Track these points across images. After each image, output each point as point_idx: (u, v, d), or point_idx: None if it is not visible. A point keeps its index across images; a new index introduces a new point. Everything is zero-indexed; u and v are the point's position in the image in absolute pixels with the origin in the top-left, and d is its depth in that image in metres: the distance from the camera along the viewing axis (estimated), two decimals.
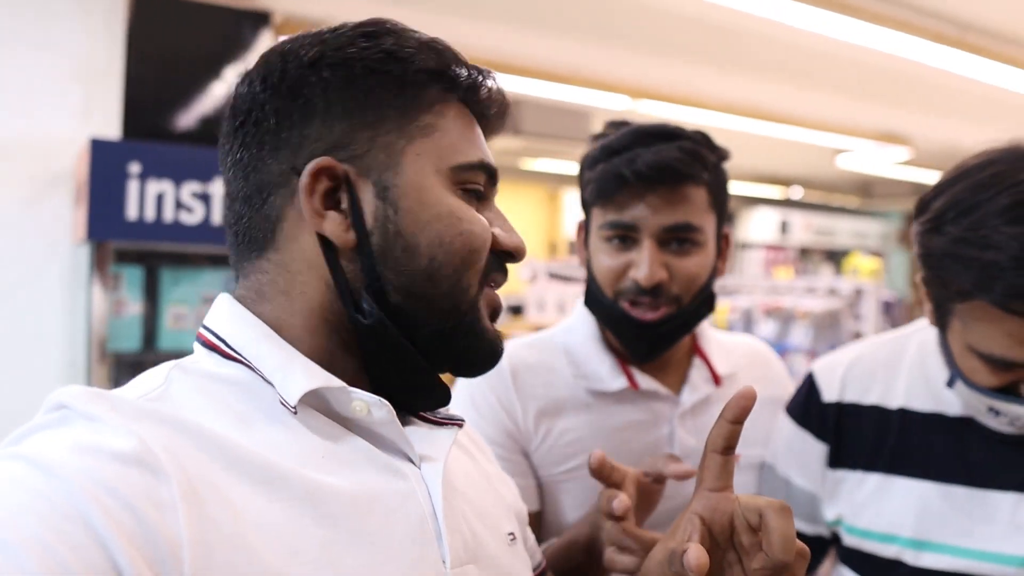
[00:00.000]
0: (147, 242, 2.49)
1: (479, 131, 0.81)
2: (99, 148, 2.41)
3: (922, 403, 1.21)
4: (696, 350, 1.35)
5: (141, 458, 0.60)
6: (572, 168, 9.07)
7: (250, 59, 3.21)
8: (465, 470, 0.85)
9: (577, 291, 4.92)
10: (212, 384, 0.71)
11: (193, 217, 2.48)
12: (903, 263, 10.78)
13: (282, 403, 0.70)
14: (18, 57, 2.84)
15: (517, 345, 1.34)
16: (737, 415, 0.73)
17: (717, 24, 4.65)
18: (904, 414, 1.22)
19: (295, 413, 0.70)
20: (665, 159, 1.18)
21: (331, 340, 0.74)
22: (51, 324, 2.83)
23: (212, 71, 3.16)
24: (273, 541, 0.63)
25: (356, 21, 0.78)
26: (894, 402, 1.23)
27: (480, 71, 0.80)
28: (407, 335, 0.74)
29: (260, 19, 3.33)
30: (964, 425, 1.17)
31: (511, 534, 0.84)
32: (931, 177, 9.14)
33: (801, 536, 1.24)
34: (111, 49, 2.98)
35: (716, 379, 1.34)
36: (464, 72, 0.79)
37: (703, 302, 1.27)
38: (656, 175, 1.18)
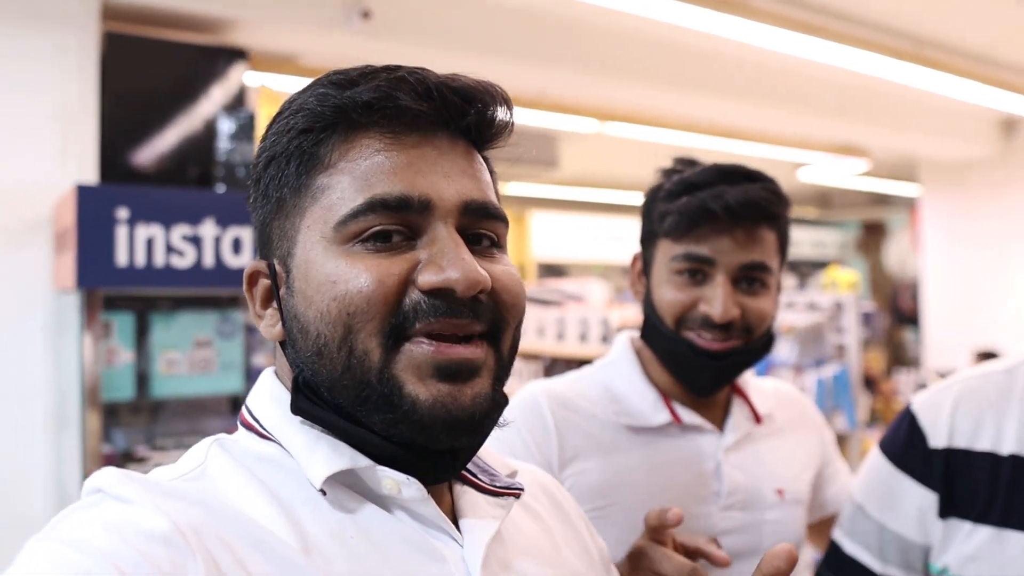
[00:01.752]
0: (138, 288, 2.44)
1: (400, 157, 0.70)
2: (85, 193, 2.36)
3: None
4: (736, 390, 1.36)
5: (168, 537, 0.60)
6: (539, 191, 9.12)
7: (225, 95, 3.18)
8: (528, 540, 0.80)
9: (556, 315, 4.92)
10: (249, 462, 0.71)
11: (184, 260, 2.44)
12: (863, 271, 10.98)
13: (312, 483, 0.69)
14: None
15: (559, 383, 1.34)
16: (775, 572, 0.66)
17: (679, 46, 4.73)
18: (1016, 461, 1.14)
19: (324, 494, 0.69)
20: (754, 197, 1.20)
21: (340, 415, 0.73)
22: (36, 374, 2.76)
23: (188, 108, 3.12)
24: None
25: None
26: (1006, 447, 1.15)
27: (367, 77, 0.70)
28: (341, 415, 0.70)
29: (235, 55, 3.30)
30: None
31: None
32: (888, 187, 9.34)
33: None
34: (85, 91, 2.92)
35: (757, 418, 1.35)
36: (357, 102, 0.69)
37: (767, 341, 1.28)
38: (745, 211, 1.20)
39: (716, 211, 1.19)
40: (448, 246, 0.68)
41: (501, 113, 0.74)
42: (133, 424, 2.69)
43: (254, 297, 0.75)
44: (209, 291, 2.63)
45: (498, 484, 0.78)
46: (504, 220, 0.75)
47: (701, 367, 1.24)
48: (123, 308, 2.60)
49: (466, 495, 0.77)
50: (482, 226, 0.73)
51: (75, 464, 2.49)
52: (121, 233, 2.36)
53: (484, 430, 0.71)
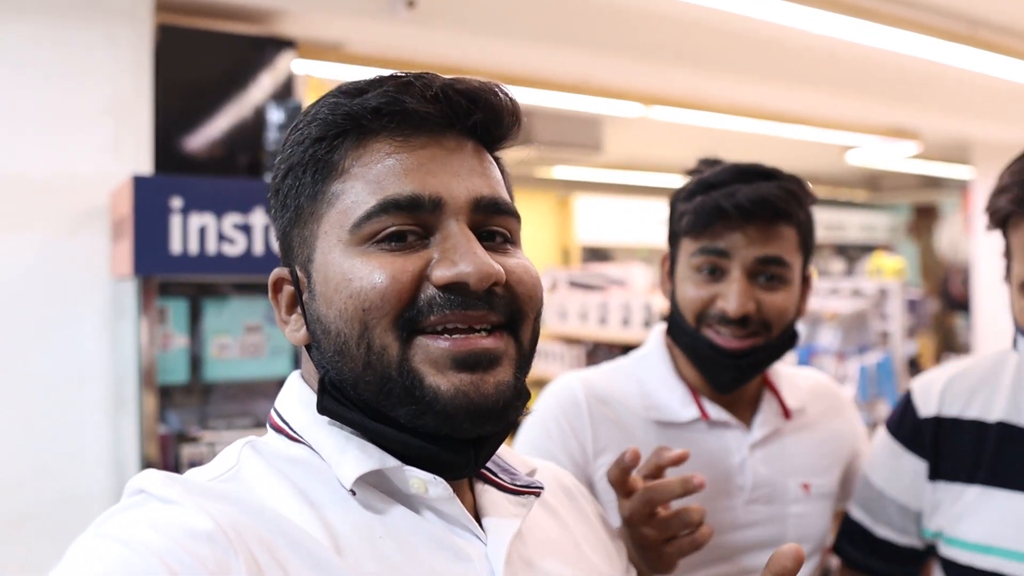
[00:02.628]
0: (192, 275, 2.52)
1: (411, 160, 0.72)
2: (141, 184, 2.44)
3: (1022, 417, 1.24)
4: (767, 384, 1.39)
5: (212, 535, 0.63)
6: (583, 174, 9.11)
7: (273, 83, 3.25)
8: (548, 538, 0.83)
9: (598, 299, 4.94)
10: (280, 464, 0.74)
11: (235, 248, 2.51)
12: (913, 255, 10.79)
13: (342, 484, 0.72)
14: (47, 92, 2.87)
15: (595, 374, 1.37)
16: (781, 571, 0.66)
17: (726, 29, 4.68)
18: (1004, 427, 1.24)
19: (353, 494, 0.71)
20: (765, 195, 1.22)
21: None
22: (95, 358, 2.86)
23: (239, 98, 3.19)
24: None
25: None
26: (993, 416, 1.26)
27: (389, 91, 0.72)
28: (366, 413, 0.73)
29: (284, 44, 3.36)
30: None
31: None
32: (940, 170, 9.15)
33: (892, 545, 1.33)
34: (139, 82, 3.01)
35: (786, 413, 1.37)
36: (370, 109, 0.72)
37: (789, 338, 1.30)
38: (755, 209, 1.22)
39: (728, 209, 1.22)
40: (460, 241, 0.70)
41: (507, 113, 0.77)
42: (186, 406, 2.79)
43: (279, 303, 0.78)
44: (259, 278, 2.70)
45: (518, 483, 0.81)
46: (516, 216, 0.77)
47: (721, 365, 1.27)
48: (177, 294, 2.68)
49: (487, 494, 0.79)
50: (494, 222, 0.75)
51: (133, 444, 2.59)
52: (175, 222, 2.44)
53: (508, 418, 0.73)
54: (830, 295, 4.19)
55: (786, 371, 1.45)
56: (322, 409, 0.74)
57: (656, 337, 1.41)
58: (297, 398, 0.78)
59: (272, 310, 2.64)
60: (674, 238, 1.34)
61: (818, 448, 1.40)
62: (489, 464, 0.82)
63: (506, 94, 0.77)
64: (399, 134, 0.72)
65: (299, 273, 0.75)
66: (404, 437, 0.71)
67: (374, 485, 0.73)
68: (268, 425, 0.80)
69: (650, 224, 9.61)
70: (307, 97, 3.10)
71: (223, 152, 3.15)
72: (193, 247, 2.46)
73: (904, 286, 4.05)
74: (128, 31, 2.99)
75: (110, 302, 2.90)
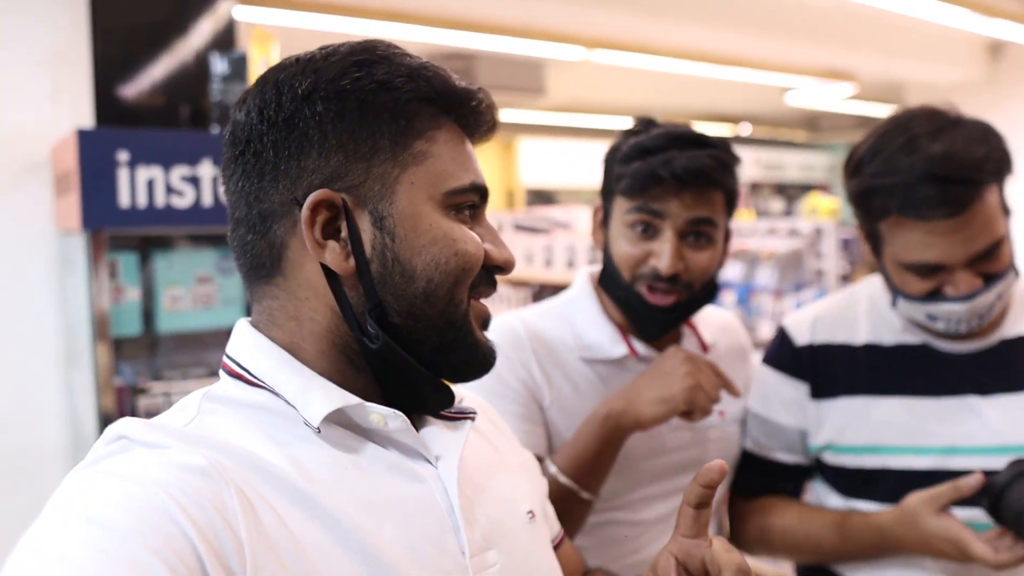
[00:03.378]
0: (141, 228, 2.52)
1: (470, 149, 0.85)
2: (85, 138, 2.42)
3: (884, 337, 1.45)
4: (686, 321, 1.49)
5: (205, 470, 0.67)
6: (527, 117, 9.09)
7: (216, 32, 3.20)
8: (482, 457, 0.91)
9: (543, 242, 5.02)
10: (242, 410, 0.77)
11: (184, 200, 2.52)
12: None
13: (306, 424, 0.76)
14: None
15: (530, 314, 1.47)
16: (708, 482, 0.77)
17: None
18: (870, 348, 1.45)
19: (319, 432, 0.76)
20: (701, 164, 1.31)
21: (340, 360, 0.80)
22: (44, 313, 2.85)
23: (180, 47, 3.14)
24: (311, 545, 0.70)
25: (348, 44, 0.81)
26: (859, 339, 1.46)
27: (470, 90, 0.84)
28: (411, 352, 0.80)
29: None
30: (924, 349, 1.42)
31: (530, 512, 0.91)
32: (876, 110, 9.36)
33: (784, 465, 1.51)
34: (76, 32, 2.94)
35: (704, 347, 1.50)
36: (456, 94, 0.83)
37: (710, 291, 1.41)
38: (691, 177, 1.30)
39: (664, 177, 1.30)
40: (495, 231, 0.86)
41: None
42: (139, 358, 2.81)
43: (314, 223, 0.77)
44: (209, 229, 2.71)
45: (453, 411, 0.89)
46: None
47: (649, 319, 1.38)
48: (127, 248, 2.69)
49: (427, 422, 0.87)
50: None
51: (88, 397, 2.61)
52: (123, 175, 2.44)
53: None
54: (768, 235, 4.32)
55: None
56: (383, 344, 0.78)
57: (583, 279, 1.51)
58: (253, 344, 0.80)
59: (223, 259, 2.64)
60: (608, 194, 1.43)
61: (730, 377, 1.53)
62: None
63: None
64: (463, 127, 0.85)
65: (353, 204, 0.78)
66: (428, 373, 0.82)
67: (336, 422, 0.78)
68: (223, 372, 0.82)
69: (594, 166, 9.65)
70: (252, 47, 3.07)
71: (165, 102, 3.11)
72: (141, 200, 2.46)
73: (839, 226, 4.20)
74: None
75: (56, 256, 2.88)
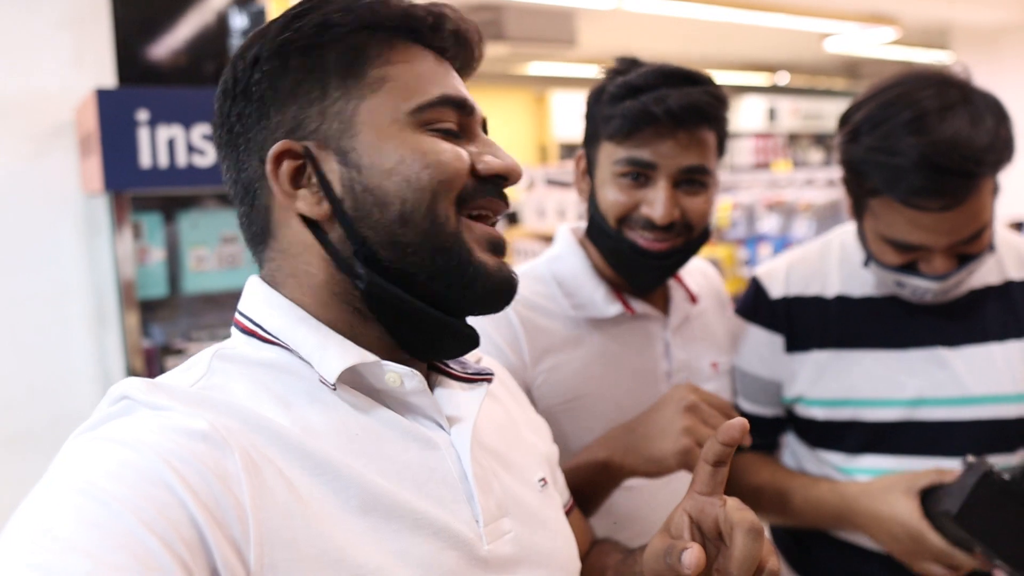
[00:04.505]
0: (163, 188, 2.51)
1: (445, 68, 0.81)
2: (104, 98, 2.40)
3: (855, 289, 1.45)
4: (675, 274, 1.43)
5: (207, 435, 0.65)
6: (558, 70, 8.96)
7: None
8: (496, 422, 0.89)
9: (574, 196, 4.95)
10: (252, 369, 0.75)
11: (206, 160, 2.49)
12: None
13: (321, 381, 0.74)
14: (2, 12, 2.79)
15: None
16: (729, 440, 0.75)
17: None
18: (842, 300, 1.45)
19: (334, 390, 0.74)
20: (696, 101, 1.23)
21: (346, 311, 0.78)
22: (72, 275, 2.86)
23: (200, 5, 3.11)
24: (322, 508, 0.68)
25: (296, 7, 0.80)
26: (831, 291, 1.46)
27: (433, 10, 0.80)
28: (407, 288, 0.77)
29: None
30: (894, 301, 1.42)
31: (542, 479, 0.89)
32: (919, 56, 9.07)
33: (757, 418, 1.47)
34: None
35: (692, 298, 1.43)
36: (403, 15, 0.79)
37: (706, 236, 1.34)
38: (687, 115, 1.22)
39: (658, 114, 1.22)
40: (494, 143, 0.81)
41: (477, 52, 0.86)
42: (168, 319, 2.82)
43: (278, 177, 0.76)
44: None
45: (469, 371, 0.86)
46: None
47: (644, 267, 1.30)
48: (151, 208, 2.68)
49: (443, 383, 0.84)
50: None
51: (118, 359, 2.62)
52: (143, 135, 2.42)
53: (510, 302, 0.83)
54: (805, 186, 4.21)
55: None
56: (369, 284, 0.76)
57: (566, 237, 1.43)
58: (265, 300, 0.79)
59: None
60: (593, 139, 1.34)
61: (716, 328, 1.48)
62: None
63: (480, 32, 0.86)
64: (431, 47, 0.81)
65: (314, 148, 0.76)
66: (433, 311, 0.78)
67: (349, 384, 0.76)
68: (236, 329, 0.81)
69: None
70: (271, 1, 3.02)
71: (187, 61, 3.09)
72: (163, 160, 2.44)
73: None
74: None
75: (83, 219, 2.88)
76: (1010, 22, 6.60)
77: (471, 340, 0.82)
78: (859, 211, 1.35)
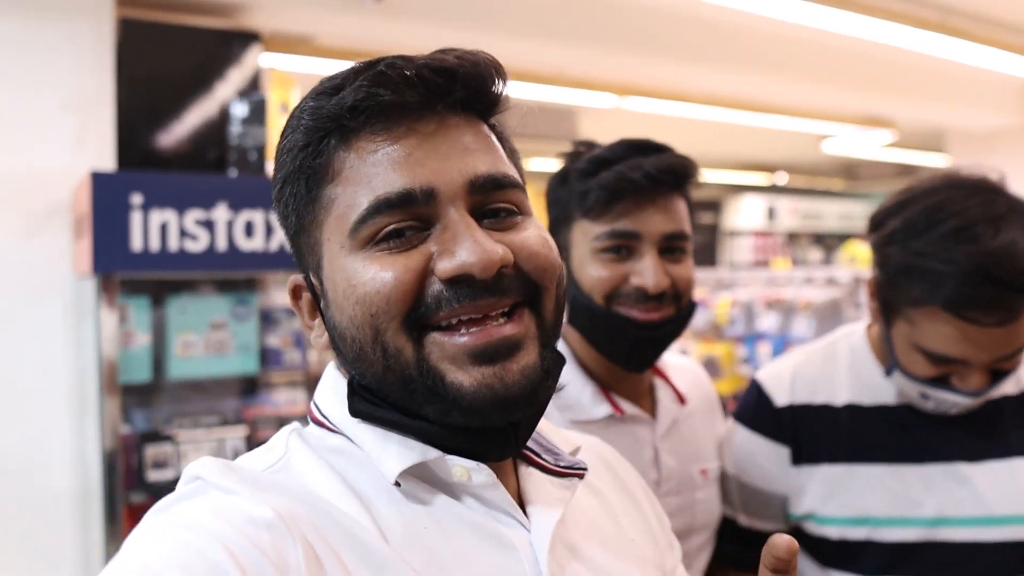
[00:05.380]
0: (153, 272, 2.48)
1: (386, 155, 0.69)
2: (100, 180, 2.40)
3: (865, 397, 1.37)
4: (657, 372, 1.38)
5: (272, 523, 0.63)
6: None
7: (240, 78, 3.20)
8: (592, 521, 0.81)
9: None
10: (326, 454, 0.73)
11: (197, 245, 2.48)
12: None
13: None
14: (8, 91, 2.82)
15: None
16: (778, 557, 0.65)
17: (701, 19, 4.67)
18: (852, 409, 1.37)
19: (399, 487, 0.71)
20: (671, 164, 1.22)
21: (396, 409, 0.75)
22: (57, 357, 2.82)
23: (203, 93, 3.15)
24: None
25: None
26: (840, 399, 1.38)
27: (356, 72, 0.70)
28: (398, 410, 0.71)
29: (248, 38, 3.31)
30: (907, 410, 1.34)
31: None
32: (915, 158, 9.20)
33: (758, 533, 1.38)
34: (101, 78, 2.96)
35: (681, 398, 1.38)
36: (341, 104, 0.69)
37: (693, 307, 1.31)
38: (664, 177, 1.21)
39: (637, 179, 1.20)
40: (459, 229, 0.68)
41: (492, 80, 0.74)
42: (152, 405, 2.75)
43: (301, 309, 0.77)
44: (223, 274, 2.66)
45: (562, 464, 0.79)
46: (520, 186, 0.74)
47: (640, 341, 1.25)
48: (140, 292, 2.64)
49: (531, 477, 0.77)
50: (497, 199, 0.71)
51: (95, 445, 2.55)
52: (136, 218, 2.41)
53: (538, 400, 0.71)
54: (805, 284, 4.19)
55: (666, 358, 1.44)
56: (354, 412, 0.73)
57: None
58: (332, 391, 0.77)
59: (238, 306, 2.58)
60: (563, 221, 1.30)
61: (706, 432, 1.42)
62: (532, 444, 0.80)
63: (487, 58, 0.73)
64: (381, 128, 0.69)
65: (312, 280, 0.75)
66: (439, 430, 0.70)
67: (417, 476, 0.72)
68: (309, 418, 0.79)
69: None
70: (272, 90, 3.06)
71: (188, 148, 3.11)
72: (154, 244, 2.42)
73: None
74: (89, 25, 2.94)
75: (73, 301, 2.85)
76: (1006, 126, 6.71)
77: (508, 444, 0.72)
78: (888, 319, 1.27)
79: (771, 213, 10.65)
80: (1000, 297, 1.13)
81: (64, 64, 2.90)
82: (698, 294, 4.76)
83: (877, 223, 1.29)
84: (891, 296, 1.25)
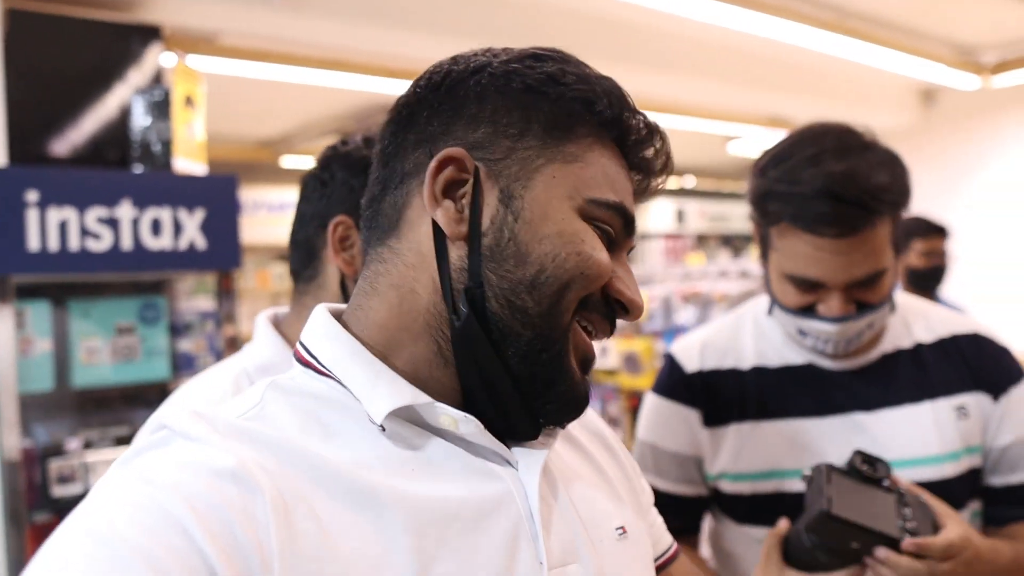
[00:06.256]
0: (52, 274, 2.33)
1: (627, 178, 0.80)
2: None
3: (771, 360, 1.46)
4: None
5: (237, 475, 0.63)
6: None
7: (140, 76, 3.06)
8: (570, 465, 0.84)
9: None
10: (305, 401, 0.73)
11: (101, 244, 2.34)
12: None
13: (370, 420, 0.72)
14: None
15: None
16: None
17: (608, 18, 4.71)
18: (758, 371, 1.46)
19: (383, 430, 0.72)
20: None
21: (429, 349, 0.75)
22: None
23: (100, 89, 2.99)
24: (362, 551, 0.65)
25: (532, 48, 0.80)
26: (747, 364, 1.47)
27: (648, 126, 0.80)
28: (496, 348, 0.73)
29: (149, 33, 3.17)
30: (809, 369, 1.43)
31: (620, 528, 0.83)
32: None
33: (676, 498, 1.44)
34: None
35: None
36: (625, 117, 0.78)
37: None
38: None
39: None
40: (631, 274, 0.79)
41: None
42: (54, 416, 2.59)
43: (437, 176, 0.74)
44: (129, 276, 2.53)
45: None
46: None
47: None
48: (39, 296, 2.48)
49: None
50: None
51: None
52: (32, 216, 2.26)
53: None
54: (719, 278, 4.26)
55: None
56: (465, 324, 0.72)
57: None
58: (324, 331, 0.77)
59: (146, 309, 2.43)
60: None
61: None
62: None
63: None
64: (626, 157, 0.80)
65: (485, 176, 0.75)
66: (510, 383, 0.74)
67: (403, 418, 0.73)
68: (295, 358, 0.79)
69: None
70: (177, 84, 2.92)
71: (87, 146, 2.94)
72: (53, 243, 2.27)
73: None
74: None
75: None
76: (898, 126, 7.00)
77: (534, 431, 0.77)
78: (764, 250, 1.38)
79: (680, 216, 10.86)
80: (839, 211, 1.23)
81: None
82: None
83: (753, 170, 1.39)
84: (760, 224, 1.37)
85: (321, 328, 0.78)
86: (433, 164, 0.74)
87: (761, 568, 1.22)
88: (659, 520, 0.99)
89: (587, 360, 0.78)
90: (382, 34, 3.93)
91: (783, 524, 1.24)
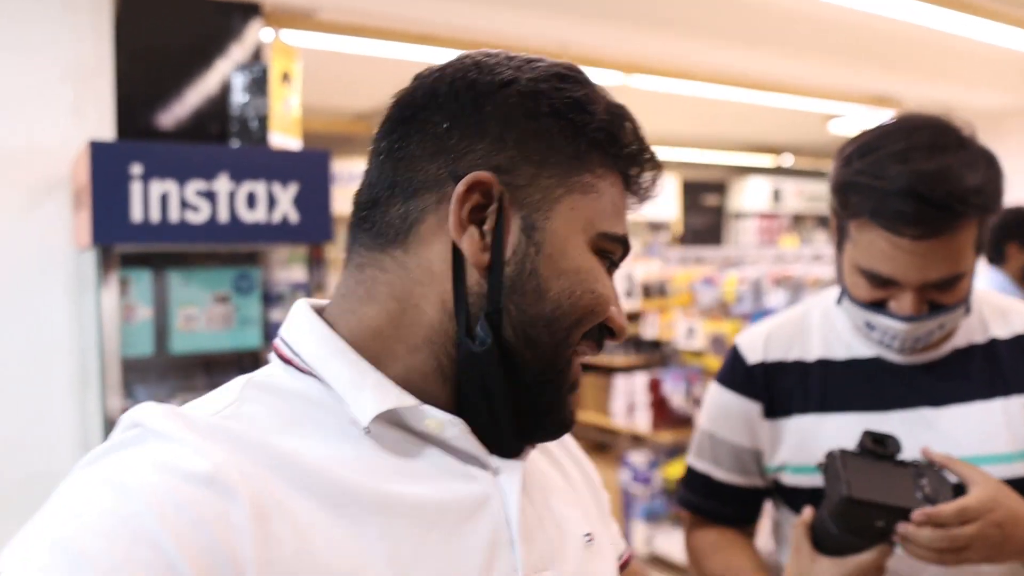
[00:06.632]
0: (154, 244, 2.43)
1: (626, 204, 0.81)
2: (99, 150, 2.35)
3: (838, 352, 1.43)
4: None
5: (213, 479, 0.61)
6: None
7: (241, 52, 3.15)
8: (544, 474, 0.85)
9: None
10: (285, 400, 0.71)
11: (199, 216, 2.43)
12: None
13: (353, 423, 0.71)
14: (4, 62, 2.77)
15: None
16: None
17: None
18: (824, 364, 1.43)
19: (368, 432, 0.70)
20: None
21: (430, 362, 0.74)
22: (59, 332, 2.78)
23: (203, 65, 3.09)
24: (338, 558, 0.63)
25: (547, 59, 0.79)
26: (812, 356, 1.45)
27: (650, 154, 0.80)
28: (506, 375, 0.73)
29: (250, 10, 3.26)
30: (877, 363, 1.40)
31: (588, 535, 0.84)
32: None
33: (732, 487, 1.45)
34: (99, 48, 2.90)
35: None
36: (634, 149, 0.79)
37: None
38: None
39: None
40: (616, 293, 0.80)
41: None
42: (154, 380, 2.72)
43: (465, 202, 0.72)
44: (225, 247, 2.62)
45: None
46: None
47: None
48: (141, 264, 2.60)
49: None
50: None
51: (97, 420, 2.51)
52: (135, 189, 2.36)
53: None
54: (813, 261, 4.15)
55: None
56: (486, 351, 0.72)
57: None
58: (308, 328, 0.75)
59: (241, 279, 2.52)
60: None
61: None
62: None
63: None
64: (624, 182, 0.80)
65: (508, 203, 0.74)
66: (507, 408, 0.75)
67: (387, 421, 0.72)
68: (273, 355, 0.77)
69: None
70: (275, 60, 3.00)
71: (189, 120, 3.05)
72: (155, 215, 2.37)
73: None
74: None
75: (74, 274, 2.81)
76: (1012, 105, 6.65)
77: (518, 450, 0.79)
78: (840, 242, 1.35)
79: (776, 195, 10.59)
80: (922, 212, 1.19)
81: (61, 34, 2.85)
82: (706, 272, 4.72)
83: (839, 156, 1.34)
84: (839, 215, 1.32)
85: (306, 325, 0.76)
86: (461, 188, 0.72)
87: (793, 560, 1.21)
88: (615, 527, 0.99)
89: (575, 383, 0.79)
90: (474, 9, 3.94)
91: (807, 513, 1.24)
